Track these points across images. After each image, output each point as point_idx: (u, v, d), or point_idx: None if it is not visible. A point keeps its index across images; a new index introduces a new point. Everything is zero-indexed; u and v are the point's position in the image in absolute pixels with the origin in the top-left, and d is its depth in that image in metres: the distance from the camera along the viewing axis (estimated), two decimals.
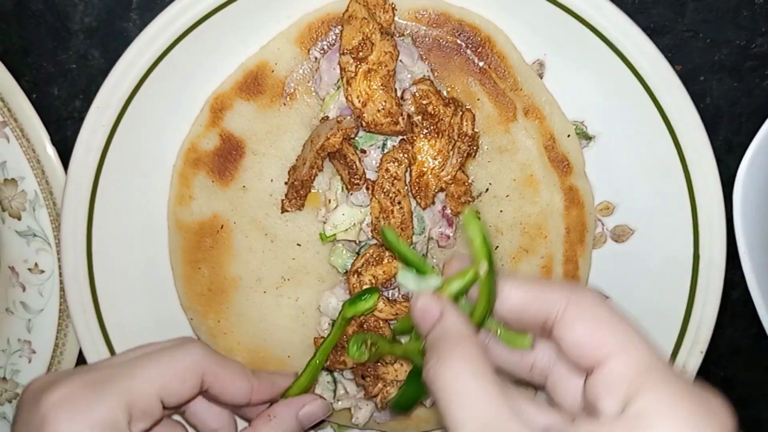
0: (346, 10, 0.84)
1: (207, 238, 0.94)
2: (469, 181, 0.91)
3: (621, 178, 0.94)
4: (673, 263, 0.93)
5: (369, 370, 0.89)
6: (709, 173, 0.90)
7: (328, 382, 0.94)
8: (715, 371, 1.05)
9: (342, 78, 0.84)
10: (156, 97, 0.90)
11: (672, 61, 0.90)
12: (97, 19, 0.96)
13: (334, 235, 0.88)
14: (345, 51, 0.83)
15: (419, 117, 0.86)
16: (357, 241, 0.90)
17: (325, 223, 0.89)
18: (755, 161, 0.84)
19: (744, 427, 1.09)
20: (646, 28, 0.91)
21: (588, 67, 0.90)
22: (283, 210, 0.92)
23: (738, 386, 1.06)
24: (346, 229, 0.88)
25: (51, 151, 0.95)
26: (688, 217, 0.92)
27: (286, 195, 0.92)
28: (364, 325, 0.87)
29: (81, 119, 0.90)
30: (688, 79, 0.93)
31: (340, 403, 0.94)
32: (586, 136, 0.93)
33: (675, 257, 0.93)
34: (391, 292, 0.89)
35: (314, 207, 0.92)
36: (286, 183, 0.92)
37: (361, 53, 0.82)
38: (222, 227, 0.93)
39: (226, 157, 0.92)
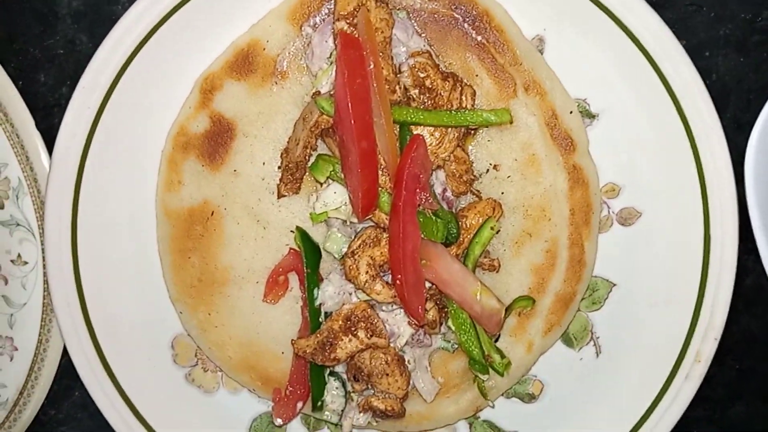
0: None
1: (197, 226, 0.90)
2: (470, 160, 0.88)
3: (626, 157, 0.90)
4: (684, 245, 0.89)
5: (362, 375, 0.86)
6: (719, 150, 0.86)
7: (336, 388, 0.90)
8: (730, 363, 1.00)
9: (336, 48, 0.81)
10: (143, 78, 0.87)
11: (675, 37, 0.87)
12: (84, 2, 0.94)
13: (325, 213, 0.84)
14: (340, 17, 0.80)
15: (416, 91, 0.83)
16: (349, 222, 0.86)
17: (315, 201, 0.85)
18: (764, 137, 0.80)
19: (762, 421, 1.04)
20: (648, 2, 0.89)
21: (590, 42, 0.87)
22: (280, 195, 0.89)
23: (756, 378, 1.01)
24: (338, 207, 0.84)
25: (36, 137, 0.92)
26: (697, 197, 0.88)
27: (281, 179, 0.88)
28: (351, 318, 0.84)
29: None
30: (692, 54, 0.90)
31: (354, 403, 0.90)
32: (589, 115, 0.90)
33: (685, 239, 0.89)
34: (389, 276, 0.85)
35: (309, 192, 0.89)
36: (279, 168, 0.89)
37: (356, 19, 0.79)
38: (212, 214, 0.90)
39: (216, 140, 0.89)
